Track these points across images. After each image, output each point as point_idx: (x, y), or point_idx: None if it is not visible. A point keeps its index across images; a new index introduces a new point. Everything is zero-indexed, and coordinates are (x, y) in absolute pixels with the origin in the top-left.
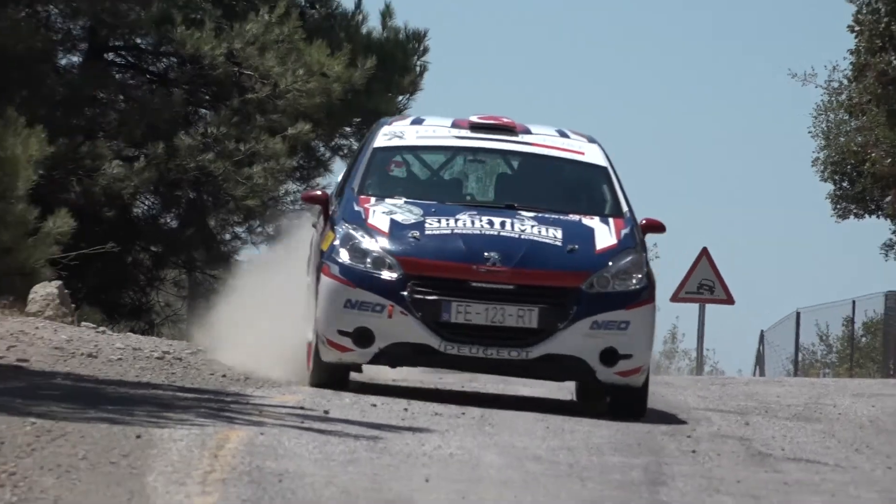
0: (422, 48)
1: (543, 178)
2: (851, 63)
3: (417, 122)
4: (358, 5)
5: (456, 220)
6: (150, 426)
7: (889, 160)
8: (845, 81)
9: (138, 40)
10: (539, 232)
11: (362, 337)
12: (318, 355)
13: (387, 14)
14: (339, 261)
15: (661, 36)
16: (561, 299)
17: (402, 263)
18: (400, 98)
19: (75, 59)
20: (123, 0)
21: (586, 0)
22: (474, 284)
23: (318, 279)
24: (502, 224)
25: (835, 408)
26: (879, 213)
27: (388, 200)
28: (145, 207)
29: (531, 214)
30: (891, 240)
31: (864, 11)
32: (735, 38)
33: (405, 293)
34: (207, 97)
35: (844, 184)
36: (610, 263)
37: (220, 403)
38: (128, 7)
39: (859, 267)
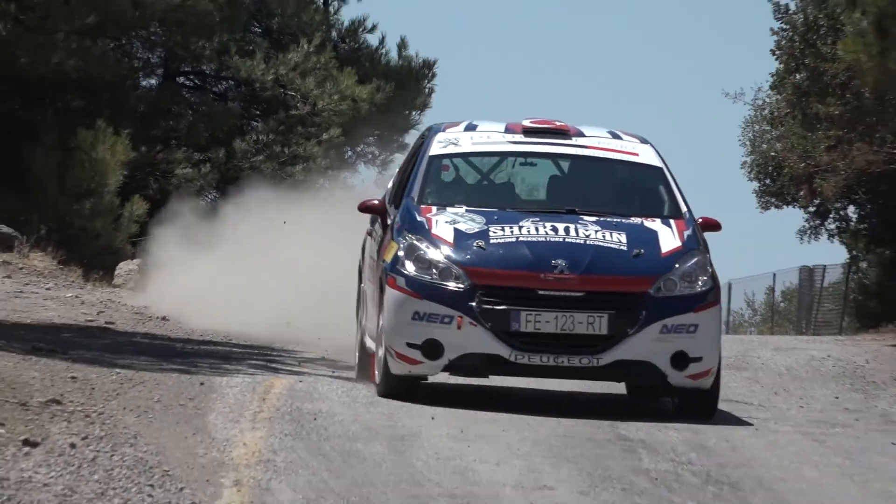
0: (431, 73)
1: (601, 180)
2: (772, 82)
3: (471, 128)
4: (381, 42)
5: (520, 228)
6: (211, 375)
7: (802, 164)
8: (767, 98)
9: (203, 67)
10: (603, 237)
11: (431, 349)
12: (386, 368)
13: (402, 46)
14: (405, 272)
15: (620, 61)
16: (629, 305)
17: (469, 273)
18: (413, 114)
19: (153, 81)
20: (192, 34)
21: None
22: (542, 292)
23: (381, 290)
24: (566, 230)
25: (759, 359)
26: (794, 204)
27: (449, 209)
28: (209, 200)
29: (593, 219)
30: (804, 226)
31: (784, 40)
32: (681, 63)
33: (474, 304)
34: (258, 112)
35: (767, 181)
36: (676, 266)
37: (267, 357)
38: (195, 40)
39: (779, 247)
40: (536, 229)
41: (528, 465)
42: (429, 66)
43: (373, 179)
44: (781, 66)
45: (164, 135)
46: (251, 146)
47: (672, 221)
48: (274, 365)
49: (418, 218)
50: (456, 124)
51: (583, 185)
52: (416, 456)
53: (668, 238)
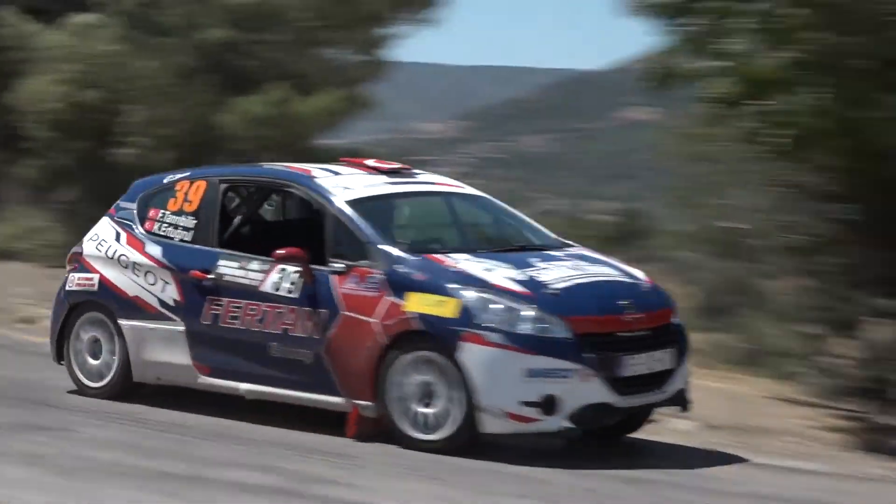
0: None
1: (481, 214)
2: None
3: (335, 173)
4: None
5: (549, 269)
6: None
7: None
8: None
9: None
10: (607, 271)
11: (550, 404)
12: (471, 425)
13: None
14: (496, 328)
15: None
16: (673, 336)
17: (568, 322)
18: None
19: None
20: None
21: None
22: (624, 335)
23: (427, 350)
24: (579, 268)
25: None
26: None
27: (457, 255)
28: None
29: (560, 254)
30: None
31: None
32: None
33: (588, 354)
34: None
35: None
36: (665, 293)
37: None
38: None
39: None
40: (565, 269)
41: None
42: None
43: None
44: None
45: None
46: None
47: (576, 247)
48: None
49: (451, 269)
50: (318, 175)
51: (478, 221)
52: None
53: (626, 265)
